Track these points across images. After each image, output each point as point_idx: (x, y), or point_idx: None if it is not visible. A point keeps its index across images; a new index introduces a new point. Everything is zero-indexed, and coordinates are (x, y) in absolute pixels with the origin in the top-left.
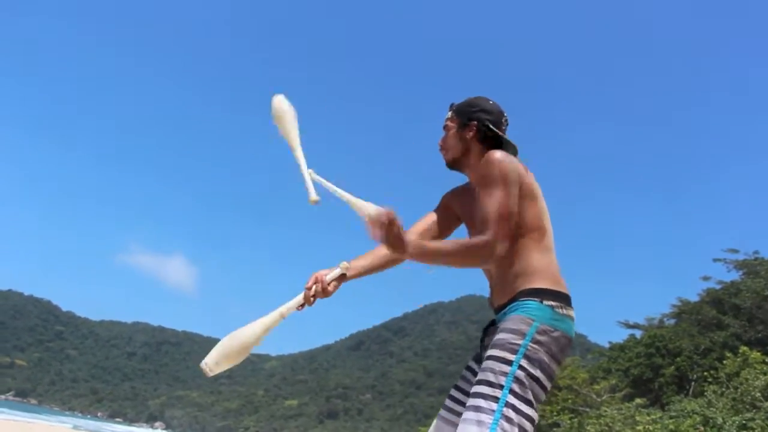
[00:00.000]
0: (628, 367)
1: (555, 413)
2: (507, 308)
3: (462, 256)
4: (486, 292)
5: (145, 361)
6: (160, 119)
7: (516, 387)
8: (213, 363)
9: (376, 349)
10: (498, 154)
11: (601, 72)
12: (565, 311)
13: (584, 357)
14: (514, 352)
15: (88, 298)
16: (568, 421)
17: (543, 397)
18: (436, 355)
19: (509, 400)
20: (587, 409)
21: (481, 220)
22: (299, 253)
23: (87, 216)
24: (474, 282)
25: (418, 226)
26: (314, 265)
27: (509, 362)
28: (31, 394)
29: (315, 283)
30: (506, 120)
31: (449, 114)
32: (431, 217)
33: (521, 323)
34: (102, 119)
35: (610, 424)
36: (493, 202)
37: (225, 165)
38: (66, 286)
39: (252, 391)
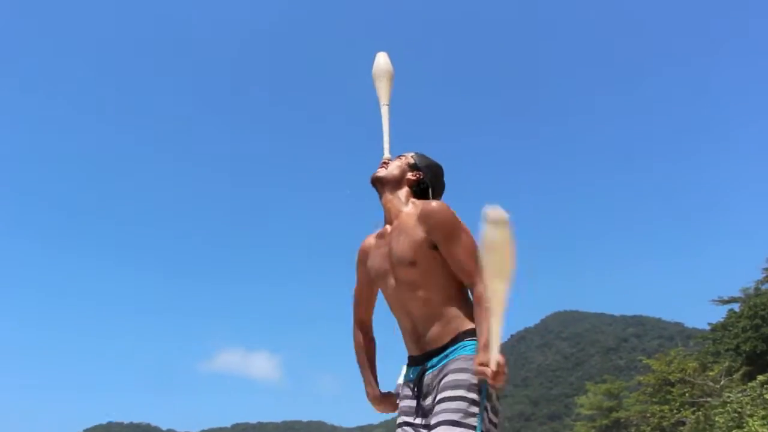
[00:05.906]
0: (737, 344)
1: (675, 410)
2: (448, 350)
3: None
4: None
5: None
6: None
7: (486, 419)
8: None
9: None
10: (445, 204)
11: None
12: None
13: (687, 345)
14: (479, 391)
15: (182, 412)
16: (692, 416)
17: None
18: (536, 381)
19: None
20: (708, 399)
21: (467, 272)
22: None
23: (156, 333)
24: (553, 300)
25: (365, 306)
26: None
27: (476, 402)
28: None
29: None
30: (443, 191)
31: (410, 153)
32: (366, 294)
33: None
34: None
35: (739, 410)
36: (468, 250)
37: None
38: (158, 405)
39: None
